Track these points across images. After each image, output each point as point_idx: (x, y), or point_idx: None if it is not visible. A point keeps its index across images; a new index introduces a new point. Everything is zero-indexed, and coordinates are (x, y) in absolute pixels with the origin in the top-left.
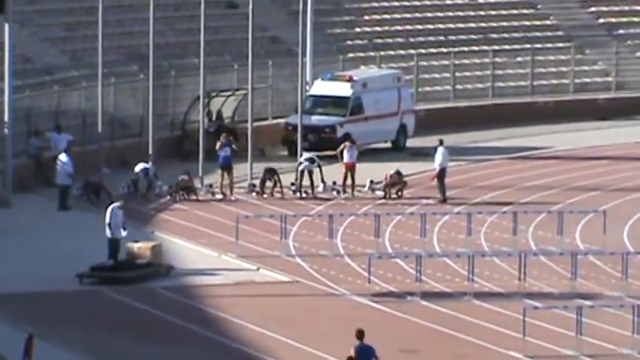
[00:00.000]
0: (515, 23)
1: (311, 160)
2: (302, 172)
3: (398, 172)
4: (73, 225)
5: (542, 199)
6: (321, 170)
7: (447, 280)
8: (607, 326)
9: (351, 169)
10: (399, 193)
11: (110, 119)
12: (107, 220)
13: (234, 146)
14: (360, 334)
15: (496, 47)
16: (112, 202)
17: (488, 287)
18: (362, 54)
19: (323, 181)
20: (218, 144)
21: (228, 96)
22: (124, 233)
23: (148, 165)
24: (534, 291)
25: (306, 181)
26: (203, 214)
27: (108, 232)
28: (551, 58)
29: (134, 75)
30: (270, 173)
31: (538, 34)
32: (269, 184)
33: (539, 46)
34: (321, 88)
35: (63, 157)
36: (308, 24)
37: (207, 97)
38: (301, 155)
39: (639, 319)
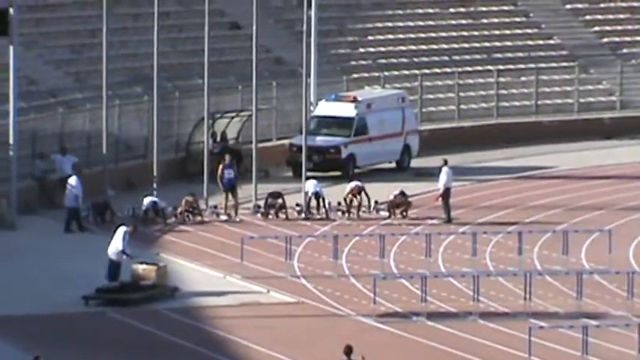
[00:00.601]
0: (520, 43)
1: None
2: (310, 197)
3: (402, 193)
4: (78, 247)
5: (547, 219)
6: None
7: (453, 300)
8: (613, 346)
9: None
10: (404, 214)
11: (115, 141)
12: (121, 247)
13: (236, 167)
14: (348, 350)
15: (500, 67)
16: (122, 224)
17: (494, 307)
18: (366, 74)
19: (325, 206)
20: (221, 166)
21: (233, 117)
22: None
23: (156, 199)
24: (540, 310)
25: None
26: (208, 236)
27: (117, 256)
28: (556, 77)
29: (138, 97)
30: (274, 197)
31: (542, 53)
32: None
33: (543, 65)
34: (326, 108)
35: (73, 180)
36: (312, 45)
37: (211, 119)
38: (307, 180)
39: None
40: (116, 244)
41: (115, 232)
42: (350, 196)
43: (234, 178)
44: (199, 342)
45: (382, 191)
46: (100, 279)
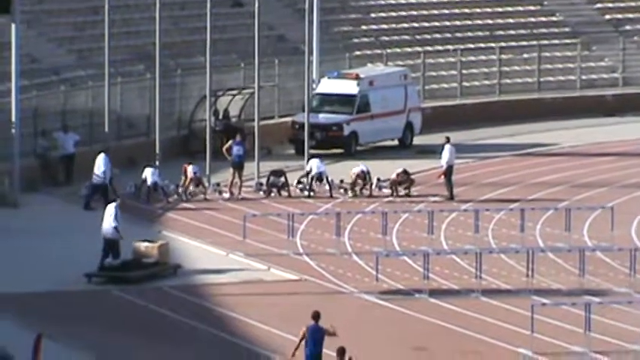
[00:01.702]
0: (522, 20)
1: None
2: (314, 176)
3: (405, 171)
4: (80, 225)
5: (549, 196)
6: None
7: (455, 278)
8: (616, 322)
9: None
10: (407, 191)
11: (117, 119)
12: (114, 222)
13: (246, 144)
14: (316, 316)
15: (502, 44)
16: (112, 201)
17: (496, 284)
18: (368, 52)
19: (329, 184)
20: (229, 143)
21: (235, 95)
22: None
23: (157, 177)
24: (542, 288)
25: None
26: (210, 213)
27: (112, 233)
28: (558, 54)
29: (141, 74)
30: (277, 175)
31: (544, 30)
32: (279, 183)
33: (545, 42)
34: (328, 86)
35: (100, 158)
36: (314, 22)
37: (213, 96)
38: (310, 158)
39: None
40: (109, 221)
41: (104, 210)
42: (356, 179)
43: (243, 155)
44: (202, 319)
45: (385, 169)
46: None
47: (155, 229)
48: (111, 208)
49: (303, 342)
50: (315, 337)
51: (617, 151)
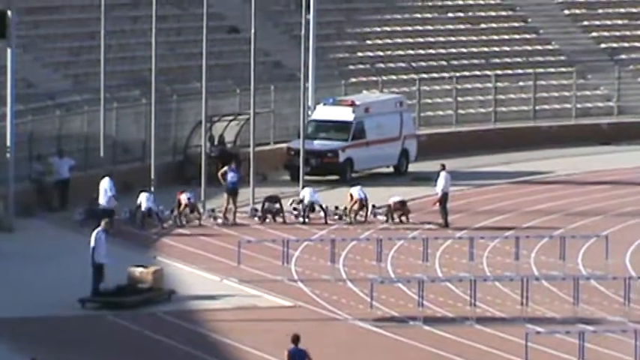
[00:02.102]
0: (517, 48)
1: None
2: (307, 205)
3: (402, 202)
4: (75, 250)
5: (544, 224)
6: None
7: (450, 305)
8: (610, 351)
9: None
10: (402, 219)
11: (112, 144)
12: (92, 245)
13: (241, 171)
14: (296, 339)
15: (498, 72)
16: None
17: (491, 312)
18: (364, 78)
19: (324, 210)
20: (224, 169)
21: (231, 120)
22: (105, 260)
23: (152, 203)
24: (537, 316)
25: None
26: (205, 239)
27: (100, 258)
28: (554, 82)
29: (136, 99)
30: (272, 201)
31: (540, 58)
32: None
33: (541, 70)
34: (324, 112)
35: (106, 182)
36: (310, 49)
37: (209, 122)
38: (303, 187)
39: None
40: (95, 246)
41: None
42: (353, 205)
43: (237, 182)
44: (195, 345)
45: (380, 195)
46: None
47: (150, 255)
48: (95, 234)
49: None
50: (297, 358)
51: (612, 180)
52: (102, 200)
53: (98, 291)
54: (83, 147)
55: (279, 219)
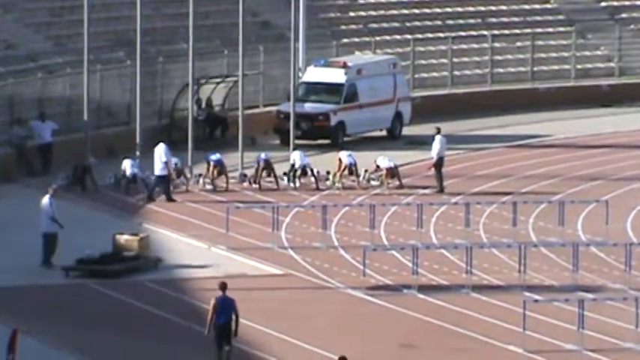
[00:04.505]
0: (515, 7)
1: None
2: (298, 169)
3: (395, 166)
4: (59, 217)
5: (542, 189)
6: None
7: (445, 273)
8: (610, 320)
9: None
10: (398, 183)
11: (96, 107)
12: (49, 214)
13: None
14: (223, 286)
15: (495, 32)
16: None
17: (487, 280)
18: (356, 39)
19: (315, 176)
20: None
21: (218, 83)
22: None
23: (136, 168)
24: (535, 283)
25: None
26: (192, 205)
27: (45, 226)
28: (552, 43)
29: (121, 61)
30: (266, 164)
31: (538, 18)
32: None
33: (539, 30)
34: (314, 74)
35: (161, 147)
36: (300, 8)
37: (196, 84)
38: (293, 150)
39: None
40: (46, 214)
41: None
42: (343, 170)
43: (220, 158)
44: (183, 315)
45: (373, 160)
46: (81, 249)
47: (135, 222)
48: (45, 200)
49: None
50: (224, 308)
51: (613, 143)
52: (157, 167)
53: (48, 261)
54: (66, 110)
55: (269, 184)
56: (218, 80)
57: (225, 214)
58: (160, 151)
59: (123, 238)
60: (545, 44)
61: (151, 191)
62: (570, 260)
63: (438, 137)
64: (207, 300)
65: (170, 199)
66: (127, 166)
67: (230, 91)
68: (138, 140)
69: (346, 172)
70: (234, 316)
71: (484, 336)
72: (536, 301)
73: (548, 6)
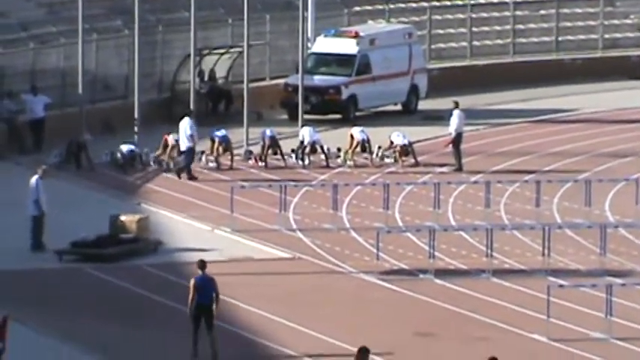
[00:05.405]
0: None
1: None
2: (307, 146)
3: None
4: (51, 197)
5: (567, 167)
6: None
7: (463, 257)
8: (639, 306)
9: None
10: (414, 160)
11: (92, 79)
12: (35, 196)
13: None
14: (202, 265)
15: None
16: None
17: (509, 264)
18: (369, 7)
19: (325, 153)
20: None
21: (222, 54)
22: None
23: (133, 146)
24: (559, 268)
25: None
26: (194, 184)
27: (31, 209)
28: (578, 11)
29: (118, 31)
30: (271, 141)
31: None
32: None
33: None
34: (324, 45)
35: (186, 121)
36: None
37: (198, 56)
38: (302, 126)
39: None
40: (32, 195)
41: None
42: (355, 147)
43: (226, 135)
44: (184, 301)
45: (387, 136)
46: (75, 232)
47: (134, 202)
48: (33, 181)
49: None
50: (204, 287)
51: None
52: (182, 141)
53: (40, 244)
54: (59, 83)
55: (276, 161)
56: (222, 51)
57: (230, 194)
58: (185, 124)
59: (120, 219)
60: (571, 12)
61: (184, 167)
62: (597, 243)
63: (456, 112)
64: None
65: (191, 177)
66: (124, 144)
67: (234, 63)
68: (136, 115)
69: (358, 149)
70: (214, 296)
71: (505, 324)
72: (560, 286)
73: None
